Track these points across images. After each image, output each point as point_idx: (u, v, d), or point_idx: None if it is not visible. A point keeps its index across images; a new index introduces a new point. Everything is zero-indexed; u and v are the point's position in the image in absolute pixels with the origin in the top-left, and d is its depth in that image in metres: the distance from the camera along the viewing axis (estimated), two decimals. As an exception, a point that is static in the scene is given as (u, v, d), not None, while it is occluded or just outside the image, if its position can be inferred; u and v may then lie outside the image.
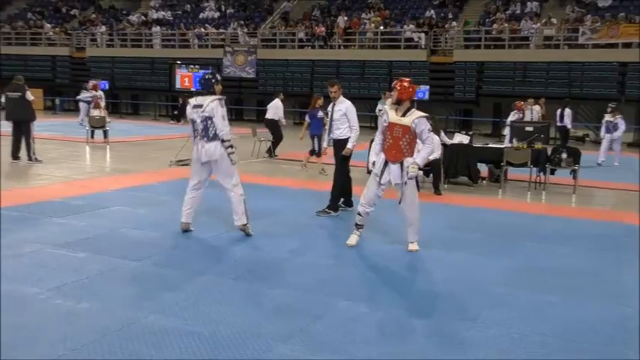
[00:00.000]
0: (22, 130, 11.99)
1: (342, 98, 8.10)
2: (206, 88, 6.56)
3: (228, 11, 31.04)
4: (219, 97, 6.54)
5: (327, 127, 8.41)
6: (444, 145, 10.73)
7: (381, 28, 25.98)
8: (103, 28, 31.44)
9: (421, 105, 21.61)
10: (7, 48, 31.99)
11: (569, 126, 17.28)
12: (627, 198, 10.54)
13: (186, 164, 12.11)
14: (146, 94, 29.67)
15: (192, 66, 12.72)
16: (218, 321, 4.23)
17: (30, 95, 12.11)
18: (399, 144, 6.13)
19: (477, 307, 4.75)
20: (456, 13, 26.50)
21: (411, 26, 25.41)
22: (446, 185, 10.73)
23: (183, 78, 12.51)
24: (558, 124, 17.14)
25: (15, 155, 11.93)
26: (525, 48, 23.59)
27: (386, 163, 6.25)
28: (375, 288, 5.19)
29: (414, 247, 6.41)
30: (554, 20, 23.40)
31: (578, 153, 11.07)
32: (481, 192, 10.65)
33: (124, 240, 6.37)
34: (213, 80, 6.65)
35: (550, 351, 4.00)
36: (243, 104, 28.75)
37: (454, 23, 25.48)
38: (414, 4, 28.18)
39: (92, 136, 15.94)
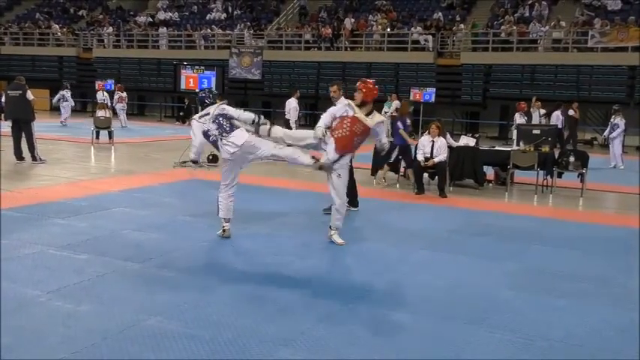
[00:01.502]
0: (21, 130, 11.93)
1: (342, 99, 8.08)
2: (204, 102, 6.67)
3: (235, 13, 31.06)
4: (220, 102, 6.59)
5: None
6: (449, 147, 10.65)
7: (388, 30, 25.91)
8: (110, 29, 31.51)
9: (427, 107, 21.79)
10: (14, 48, 32.14)
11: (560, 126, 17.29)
12: (635, 202, 10.43)
13: (190, 166, 12.11)
14: (152, 95, 29.72)
15: (197, 67, 12.63)
16: (219, 324, 4.17)
17: (30, 95, 12.05)
18: (354, 140, 6.33)
19: (482, 312, 4.68)
20: (463, 15, 26.41)
21: (418, 28, 25.33)
22: (451, 188, 10.64)
23: (189, 79, 12.44)
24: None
25: (19, 156, 11.91)
26: (534, 51, 23.46)
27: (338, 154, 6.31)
28: (378, 291, 5.11)
29: (338, 239, 6.50)
30: (563, 23, 23.27)
31: (586, 156, 10.97)
32: (487, 195, 10.57)
33: (125, 242, 6.32)
34: (211, 95, 6.80)
35: (557, 357, 3.93)
36: (249, 106, 28.72)
37: (462, 25, 25.38)
38: (421, 7, 28.11)
39: (97, 137, 15.93)
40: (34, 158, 11.92)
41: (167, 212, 7.81)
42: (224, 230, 6.60)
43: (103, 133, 16.00)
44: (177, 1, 33.54)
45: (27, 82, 12.35)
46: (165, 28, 30.50)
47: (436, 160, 10.14)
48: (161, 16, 31.91)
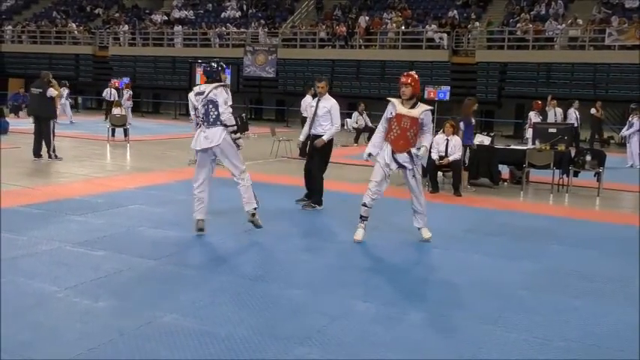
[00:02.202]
0: (41, 127, 12.05)
1: (327, 95, 8.23)
2: (212, 77, 6.43)
3: (249, 11, 31.12)
4: (224, 84, 6.45)
5: (308, 122, 8.43)
6: (465, 146, 10.59)
7: (403, 28, 25.83)
8: (126, 27, 31.71)
9: (442, 105, 21.68)
10: (32, 46, 32.45)
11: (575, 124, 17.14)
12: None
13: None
14: (167, 92, 29.87)
15: (212, 65, 12.67)
16: (235, 322, 4.18)
17: (52, 92, 12.12)
18: (407, 135, 6.36)
19: (498, 311, 4.65)
20: (479, 13, 26.27)
21: (433, 26, 25.22)
22: (471, 187, 10.57)
23: (203, 77, 12.42)
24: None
25: (37, 153, 12.02)
26: (550, 49, 23.28)
27: (392, 153, 6.42)
28: (392, 290, 5.10)
29: (426, 233, 6.62)
30: (579, 21, 23.06)
31: (603, 155, 10.88)
32: (502, 194, 10.50)
33: (141, 238, 6.36)
34: (219, 69, 6.51)
35: (574, 357, 3.89)
36: (263, 104, 28.80)
37: (477, 24, 25.24)
38: (436, 4, 27.99)
39: (113, 135, 16.04)
40: (49, 155, 12.02)
41: (183, 210, 7.83)
42: (197, 222, 6.51)
43: (119, 131, 16.11)
44: (193, -1, 33.71)
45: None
46: (180, 26, 30.64)
47: (451, 158, 10.10)
48: (176, 14, 32.05)
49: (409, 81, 6.38)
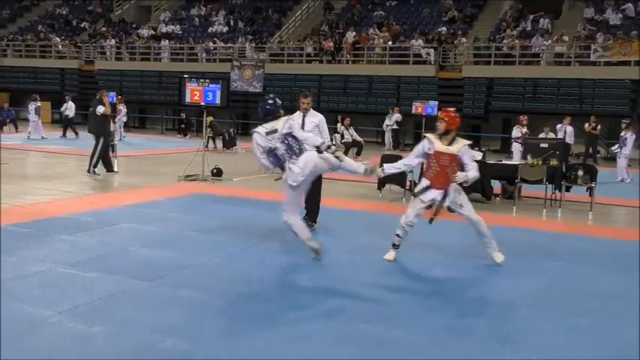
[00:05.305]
0: (97, 143, 12.41)
1: (312, 111, 8.14)
2: (272, 113, 6.27)
3: (236, 26, 31.13)
4: (289, 116, 6.37)
5: None
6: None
7: (390, 43, 25.95)
8: (113, 42, 31.55)
9: (430, 121, 21.73)
10: (17, 60, 32.13)
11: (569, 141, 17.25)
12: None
13: (195, 179, 12.04)
14: (154, 107, 29.69)
15: (202, 80, 12.57)
16: (237, 346, 4.06)
17: (100, 109, 12.40)
18: (446, 172, 6.26)
19: (505, 330, 4.57)
20: (465, 29, 26.46)
21: (420, 42, 25.36)
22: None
23: (194, 92, 12.33)
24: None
25: (108, 168, 12.56)
26: (536, 64, 23.49)
27: (427, 187, 6.35)
28: (392, 309, 5.00)
29: (500, 256, 6.49)
30: (565, 37, 23.32)
31: (595, 170, 10.90)
32: (495, 209, 10.47)
33: (134, 258, 6.21)
34: (279, 105, 6.41)
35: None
36: (250, 119, 28.71)
37: (463, 39, 25.42)
38: (423, 20, 28.18)
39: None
40: (88, 170, 12.29)
41: (175, 227, 7.70)
42: (317, 252, 6.30)
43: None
44: (180, 14, 33.62)
45: (29, 95, 12.49)
46: (167, 40, 30.54)
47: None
48: (163, 28, 31.96)
49: (443, 116, 6.34)
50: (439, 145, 6.28)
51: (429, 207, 6.41)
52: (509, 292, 5.65)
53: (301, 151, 6.09)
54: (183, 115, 25.73)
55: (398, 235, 6.44)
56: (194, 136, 24.07)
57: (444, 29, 26.17)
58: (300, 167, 6.00)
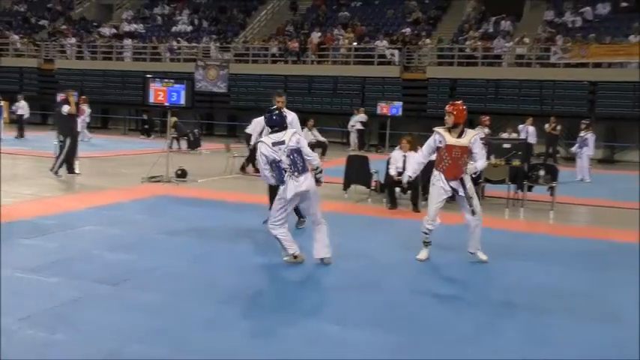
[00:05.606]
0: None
1: (286, 110, 8.14)
2: (279, 124, 6.28)
3: (201, 25, 30.84)
4: (294, 130, 6.41)
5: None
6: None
7: (355, 44, 26.06)
8: (73, 40, 30.93)
9: (395, 121, 21.90)
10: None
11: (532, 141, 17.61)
12: (604, 214, 10.63)
13: (159, 181, 11.88)
14: (116, 107, 29.21)
15: (166, 80, 12.39)
16: (206, 349, 4.00)
17: (65, 108, 12.15)
18: (459, 163, 6.47)
19: (471, 331, 4.61)
20: (429, 30, 26.74)
21: (385, 42, 25.53)
22: (423, 202, 10.63)
23: (157, 92, 12.15)
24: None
25: (70, 170, 12.29)
26: (498, 66, 23.89)
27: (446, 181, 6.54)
28: (355, 310, 5.01)
29: (484, 255, 6.73)
30: (526, 39, 23.78)
31: (556, 170, 11.13)
32: (458, 209, 10.53)
33: (98, 262, 6.08)
34: (285, 117, 6.47)
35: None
36: (215, 119, 28.50)
37: (427, 40, 25.69)
38: (387, 21, 28.38)
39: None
40: (52, 168, 12.10)
41: (139, 230, 7.58)
42: (296, 257, 6.30)
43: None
44: (143, 12, 33.15)
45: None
46: (130, 39, 30.08)
47: (411, 174, 10.10)
48: (126, 27, 31.48)
49: (451, 109, 6.48)
50: (450, 138, 6.47)
51: (452, 198, 6.66)
52: (475, 291, 5.71)
53: (304, 169, 6.16)
54: (144, 116, 25.46)
55: (425, 233, 6.66)
56: (158, 137, 23.77)
57: (408, 30, 26.40)
58: (300, 183, 6.06)
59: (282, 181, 6.15)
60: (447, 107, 6.59)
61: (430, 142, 6.63)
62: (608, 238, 8.40)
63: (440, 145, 6.53)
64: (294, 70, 26.13)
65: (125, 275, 5.62)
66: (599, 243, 8.11)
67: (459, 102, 6.69)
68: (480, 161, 6.61)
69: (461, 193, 6.55)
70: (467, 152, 6.51)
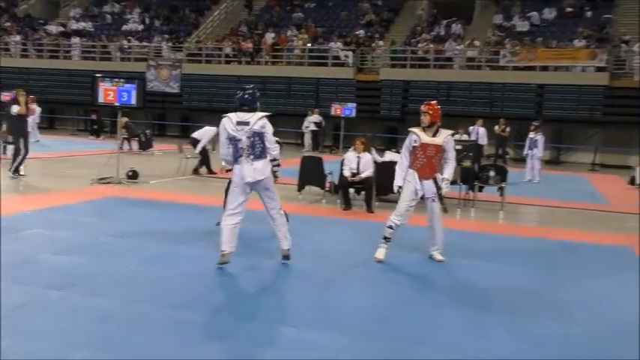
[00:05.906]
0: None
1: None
2: (250, 104, 6.01)
3: (152, 24, 30.34)
4: (266, 113, 6.10)
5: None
6: (375, 162, 10.73)
7: (309, 45, 26.09)
8: (18, 38, 29.97)
9: (348, 122, 22.01)
10: None
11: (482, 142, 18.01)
12: (552, 214, 10.92)
13: (109, 182, 11.61)
14: (64, 107, 28.44)
15: (116, 80, 12.13)
16: (156, 355, 3.92)
17: (15, 108, 11.83)
18: (432, 162, 6.65)
19: (421, 330, 4.66)
20: (382, 32, 26.99)
21: (339, 44, 25.65)
22: (377, 203, 10.71)
23: (107, 92, 11.87)
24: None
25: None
26: (449, 68, 24.30)
27: (419, 180, 6.66)
28: (312, 314, 5.00)
29: (440, 256, 6.90)
30: (476, 42, 24.26)
31: (505, 171, 11.38)
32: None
33: (45, 267, 5.89)
34: (257, 95, 6.15)
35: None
36: (167, 120, 28.08)
37: (381, 42, 25.93)
38: (341, 23, 28.52)
39: (4, 152, 14.97)
40: (10, 169, 11.95)
41: (88, 233, 7.38)
42: (223, 256, 6.05)
43: (11, 148, 15.04)
44: (91, 10, 32.40)
45: None
46: (78, 38, 29.35)
47: (363, 175, 10.19)
48: (74, 25, 30.70)
49: (427, 109, 6.60)
50: (425, 137, 6.61)
51: (422, 198, 6.75)
52: (422, 291, 5.77)
53: (262, 156, 5.96)
54: (93, 116, 24.89)
55: (391, 228, 6.72)
56: (108, 138, 23.26)
57: (361, 32, 26.60)
58: (255, 169, 5.90)
59: (236, 161, 5.96)
60: (423, 107, 6.71)
61: (407, 144, 6.76)
62: (555, 238, 8.62)
63: (415, 145, 6.66)
64: (247, 70, 25.99)
65: (73, 280, 5.46)
66: (547, 242, 8.32)
67: (433, 102, 6.82)
68: (449, 165, 6.74)
69: (429, 195, 6.70)
70: (441, 151, 6.65)
